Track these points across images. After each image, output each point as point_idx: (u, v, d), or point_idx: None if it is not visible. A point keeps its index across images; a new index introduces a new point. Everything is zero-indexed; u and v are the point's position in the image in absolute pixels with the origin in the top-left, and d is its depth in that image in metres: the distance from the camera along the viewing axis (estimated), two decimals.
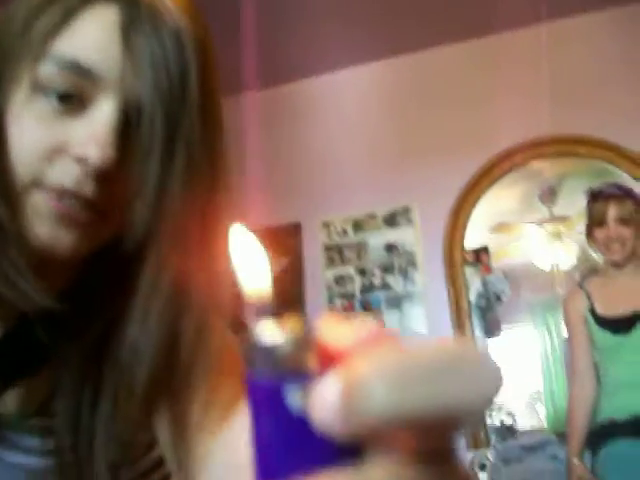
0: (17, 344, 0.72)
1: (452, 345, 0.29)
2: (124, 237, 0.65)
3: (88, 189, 0.62)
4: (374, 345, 0.29)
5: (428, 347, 0.28)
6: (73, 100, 0.62)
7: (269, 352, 0.29)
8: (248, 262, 0.32)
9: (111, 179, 0.62)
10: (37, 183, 0.62)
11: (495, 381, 0.28)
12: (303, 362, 0.29)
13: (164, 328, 0.66)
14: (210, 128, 0.68)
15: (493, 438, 3.48)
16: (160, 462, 0.81)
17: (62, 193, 0.62)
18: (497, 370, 0.28)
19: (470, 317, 3.53)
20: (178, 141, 0.64)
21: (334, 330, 0.31)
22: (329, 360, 0.29)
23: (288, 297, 3.66)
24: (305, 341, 0.30)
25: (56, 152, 0.62)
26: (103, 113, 0.62)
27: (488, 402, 0.28)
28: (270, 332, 0.30)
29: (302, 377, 0.29)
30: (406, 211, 3.61)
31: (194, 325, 0.67)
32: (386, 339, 0.30)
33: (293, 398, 0.29)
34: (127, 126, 0.63)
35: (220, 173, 0.69)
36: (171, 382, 0.67)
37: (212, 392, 0.69)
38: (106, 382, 0.70)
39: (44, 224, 0.62)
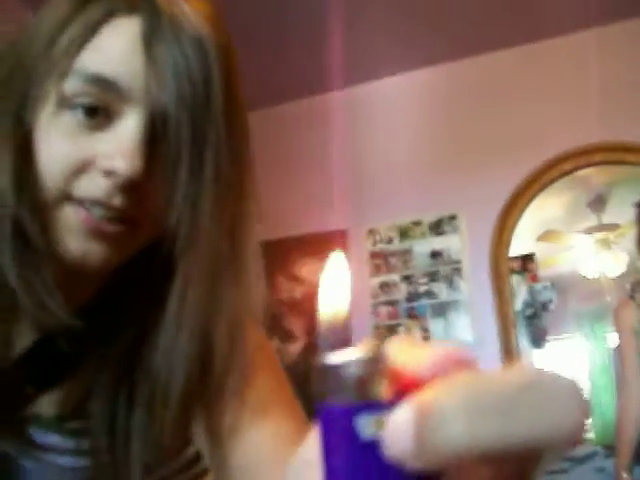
0: (48, 350, 0.73)
1: (532, 374, 0.27)
2: (159, 245, 0.66)
3: (117, 201, 0.62)
4: (450, 372, 0.28)
5: (507, 375, 0.27)
6: (99, 113, 0.62)
7: (342, 377, 0.29)
8: (333, 286, 0.32)
9: (140, 191, 0.62)
10: (66, 197, 0.62)
11: (579, 413, 0.26)
12: (376, 388, 0.29)
13: (196, 339, 0.67)
14: (236, 135, 0.68)
15: None
16: (197, 458, 0.81)
17: (92, 204, 0.62)
18: (582, 401, 0.27)
19: (516, 326, 3.49)
20: (206, 149, 0.64)
21: (409, 355, 0.30)
22: (403, 387, 0.29)
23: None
24: (379, 367, 0.29)
25: (84, 166, 0.62)
26: (129, 125, 0.62)
27: (571, 434, 0.26)
28: (344, 356, 0.29)
29: (375, 404, 0.28)
30: (452, 218, 3.59)
31: (227, 335, 0.67)
32: (462, 365, 0.29)
33: (366, 425, 0.28)
34: (154, 136, 0.63)
35: (247, 180, 0.70)
36: (205, 391, 0.68)
37: (244, 394, 0.70)
38: (140, 388, 0.71)
39: (75, 238, 0.63)
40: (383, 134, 3.85)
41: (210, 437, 0.71)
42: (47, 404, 0.75)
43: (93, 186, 0.62)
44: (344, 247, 3.74)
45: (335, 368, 0.29)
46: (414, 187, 3.68)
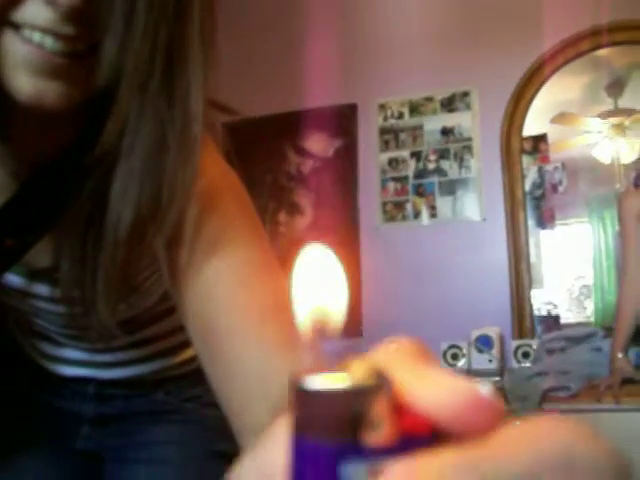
0: (27, 202, 0.74)
1: (575, 445, 0.22)
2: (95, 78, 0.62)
3: (67, 29, 0.59)
4: (476, 421, 0.22)
5: (542, 443, 0.22)
6: None
7: (328, 407, 0.22)
8: (318, 283, 0.25)
9: (84, 18, 0.59)
10: (6, 21, 0.59)
11: None
12: (373, 426, 0.22)
13: (147, 164, 0.66)
14: None
15: (539, 329, 3.50)
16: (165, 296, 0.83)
17: (37, 31, 0.59)
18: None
19: (524, 207, 3.49)
20: None
21: (421, 384, 0.23)
22: (409, 426, 0.22)
23: (341, 179, 3.66)
24: (379, 397, 0.22)
25: None
26: None
27: None
28: (333, 380, 0.22)
29: (370, 448, 0.22)
30: (465, 95, 3.52)
31: (176, 168, 0.66)
32: (491, 414, 0.23)
33: (355, 475, 0.21)
34: None
35: (187, 11, 0.65)
36: (160, 227, 0.67)
37: (197, 229, 0.70)
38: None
39: (24, 74, 0.60)
40: (395, 6, 3.73)
41: (169, 274, 0.72)
42: (42, 255, 0.76)
43: (35, 15, 0.58)
44: (353, 121, 3.69)
45: (320, 395, 0.22)
46: (427, 62, 3.60)
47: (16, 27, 0.59)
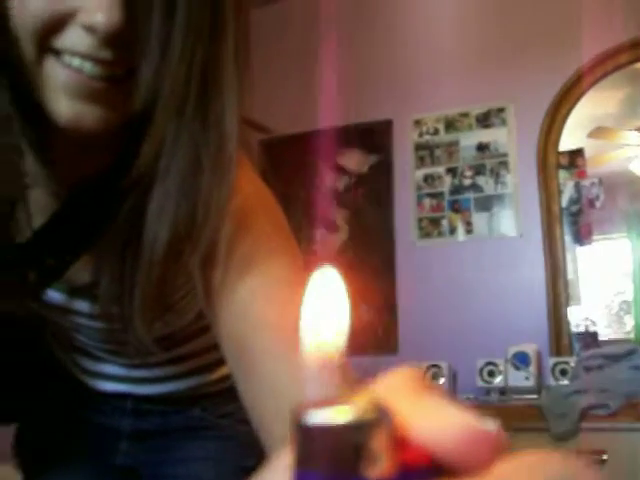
0: (67, 223, 0.76)
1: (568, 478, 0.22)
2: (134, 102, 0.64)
3: (105, 54, 0.61)
4: (480, 456, 0.22)
5: (536, 477, 0.22)
6: None
7: (325, 441, 0.22)
8: (324, 309, 0.25)
9: (123, 44, 0.61)
10: (46, 49, 0.61)
11: None
12: (370, 459, 0.22)
13: (179, 195, 0.67)
14: None
15: (577, 346, 3.46)
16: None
17: (77, 57, 0.61)
18: None
19: (561, 222, 3.46)
20: None
21: (424, 417, 0.23)
22: (412, 460, 0.22)
23: (376, 196, 3.66)
24: (376, 429, 0.22)
25: (63, 20, 0.60)
26: None
27: None
28: (333, 415, 0.22)
29: None
30: (501, 110, 3.51)
31: (211, 186, 0.67)
32: (495, 450, 0.23)
33: None
34: None
35: (222, 35, 0.67)
36: (195, 247, 0.68)
37: (231, 248, 0.70)
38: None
39: (63, 98, 0.62)
40: (431, 21, 3.73)
41: (203, 293, 0.73)
42: (82, 272, 0.78)
43: (75, 41, 0.60)
44: (389, 138, 3.70)
45: (320, 430, 0.22)
46: (462, 77, 3.59)
47: (57, 53, 0.62)
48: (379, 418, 0.22)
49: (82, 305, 0.82)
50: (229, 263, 0.70)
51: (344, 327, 0.25)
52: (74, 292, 0.81)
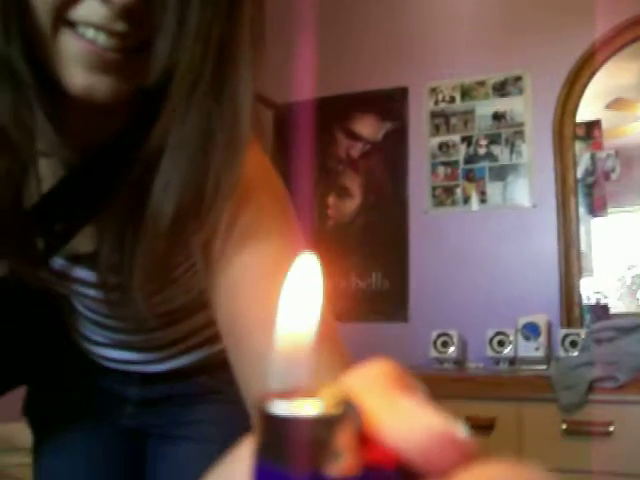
0: (75, 189, 0.76)
1: None
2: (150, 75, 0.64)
3: (119, 26, 0.61)
4: (447, 460, 0.22)
5: None
6: None
7: (288, 432, 0.21)
8: (298, 299, 0.24)
9: (137, 16, 0.61)
10: (61, 21, 0.61)
11: None
12: (332, 455, 0.21)
13: (193, 161, 0.67)
14: None
15: (587, 318, 3.45)
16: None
17: (96, 30, 0.61)
18: None
19: (576, 194, 3.44)
20: None
21: (392, 415, 0.22)
22: (376, 460, 0.22)
23: (391, 163, 3.65)
24: (341, 425, 0.21)
25: None
26: None
27: None
28: (299, 407, 0.22)
29: (327, 477, 0.21)
30: (518, 79, 3.47)
31: (220, 159, 0.67)
32: (464, 455, 0.22)
33: None
34: None
35: (239, 10, 0.67)
36: (198, 217, 0.68)
37: (231, 222, 0.71)
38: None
39: (79, 70, 0.63)
40: None
41: (203, 263, 0.73)
42: (85, 240, 0.79)
43: (90, 12, 0.61)
44: (404, 105, 3.67)
45: (285, 421, 0.21)
46: (479, 45, 3.55)
47: (72, 25, 0.62)
48: (346, 414, 0.21)
49: (82, 273, 0.83)
50: (227, 237, 0.71)
51: (315, 319, 0.24)
52: (75, 259, 0.82)
